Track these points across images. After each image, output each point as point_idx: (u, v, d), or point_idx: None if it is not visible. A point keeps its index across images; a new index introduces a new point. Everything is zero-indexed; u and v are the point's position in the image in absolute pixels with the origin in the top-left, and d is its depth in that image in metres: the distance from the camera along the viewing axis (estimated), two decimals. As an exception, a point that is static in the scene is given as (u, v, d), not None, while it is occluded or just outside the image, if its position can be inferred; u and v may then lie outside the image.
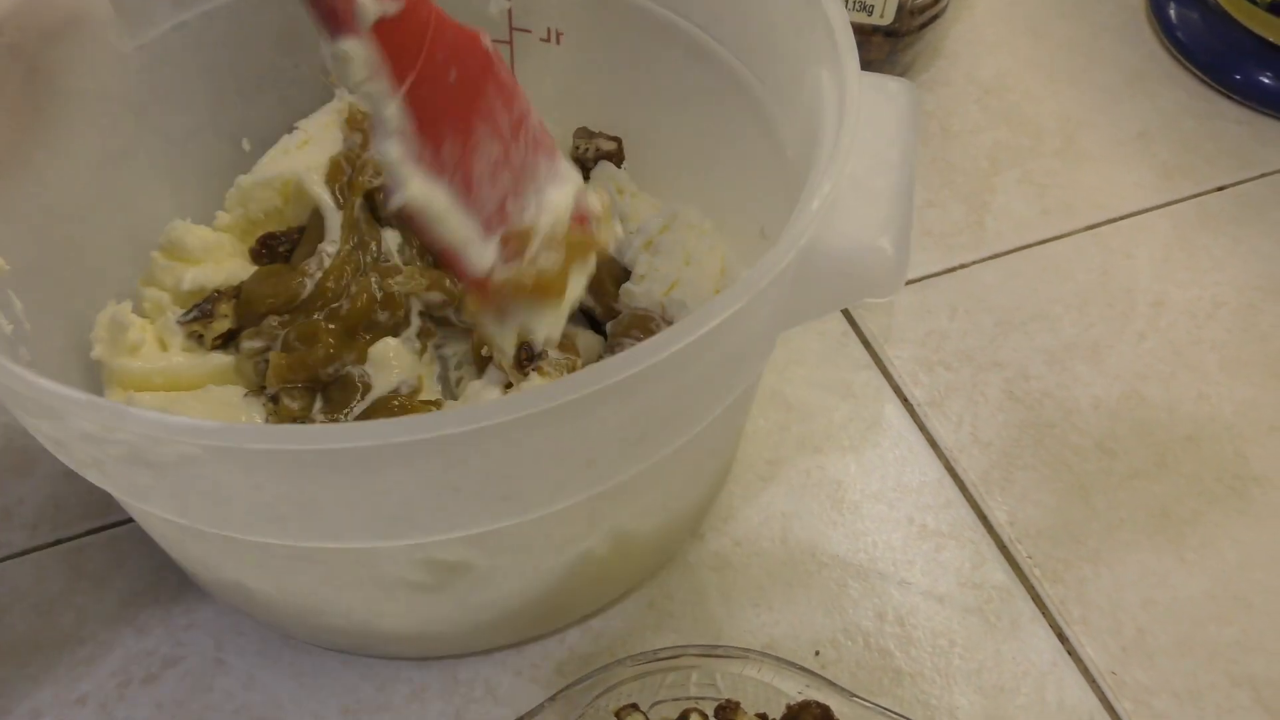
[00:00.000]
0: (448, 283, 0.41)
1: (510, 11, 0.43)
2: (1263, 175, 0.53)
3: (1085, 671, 0.37)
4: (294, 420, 0.37)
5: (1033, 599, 0.39)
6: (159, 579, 0.38)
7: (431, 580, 0.31)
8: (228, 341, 0.40)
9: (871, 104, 0.32)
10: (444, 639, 0.36)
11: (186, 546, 0.34)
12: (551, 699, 0.30)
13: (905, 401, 0.44)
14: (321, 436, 0.24)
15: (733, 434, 0.37)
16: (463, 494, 0.26)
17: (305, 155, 0.44)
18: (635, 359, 0.25)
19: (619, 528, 0.33)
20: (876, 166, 0.31)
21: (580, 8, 0.42)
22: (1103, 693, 0.37)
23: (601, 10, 0.42)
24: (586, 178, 0.44)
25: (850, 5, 0.51)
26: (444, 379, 0.39)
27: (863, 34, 0.52)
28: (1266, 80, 0.55)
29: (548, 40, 0.44)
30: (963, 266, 0.48)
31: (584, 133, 0.45)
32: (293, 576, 0.32)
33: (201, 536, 0.30)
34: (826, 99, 0.31)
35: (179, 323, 0.39)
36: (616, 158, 0.44)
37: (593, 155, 0.44)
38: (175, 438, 0.23)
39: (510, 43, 0.44)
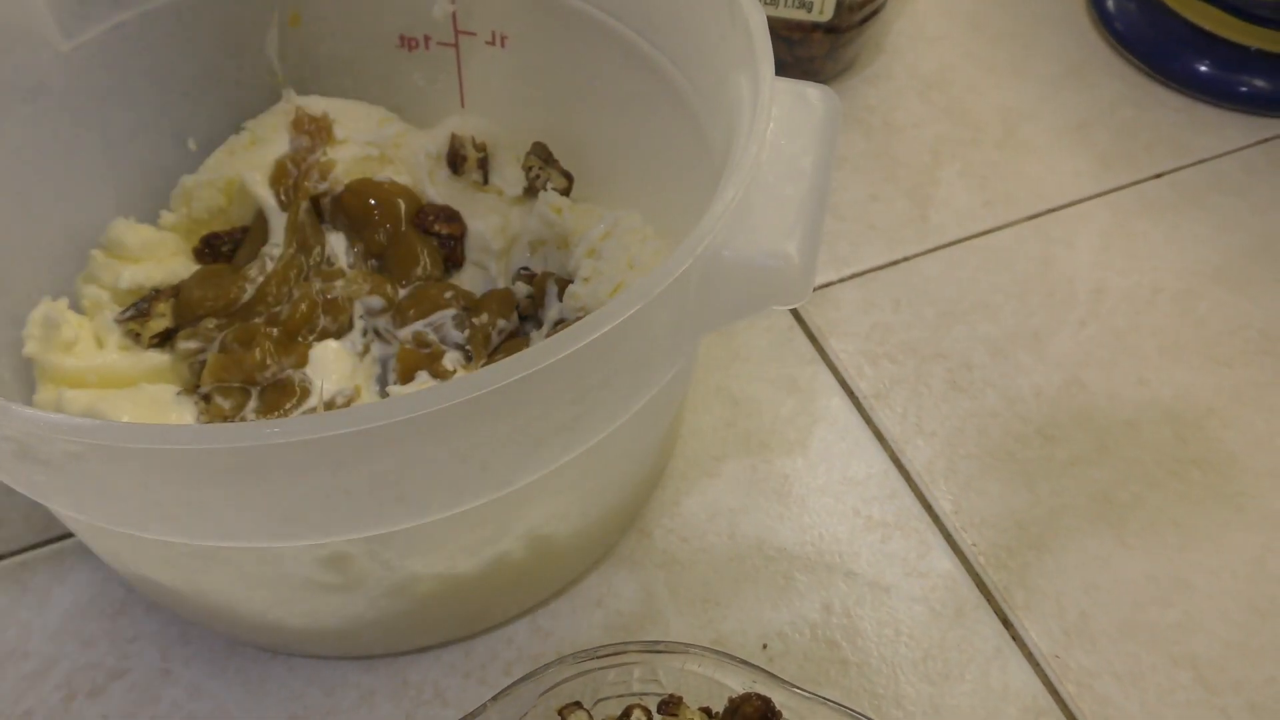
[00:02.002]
0: (389, 288, 0.41)
1: (455, 15, 0.43)
2: (1200, 162, 0.54)
3: (1029, 656, 0.38)
4: (224, 420, 0.37)
5: (977, 586, 0.39)
6: (103, 592, 0.38)
7: (339, 580, 0.31)
8: (165, 340, 0.40)
9: (788, 111, 0.32)
10: (366, 638, 0.35)
11: (102, 544, 0.33)
12: (494, 698, 0.30)
13: (850, 394, 0.44)
14: (199, 437, 0.24)
15: (655, 438, 0.37)
16: (354, 496, 0.26)
17: (251, 156, 0.44)
18: (518, 365, 0.25)
19: (534, 531, 0.33)
20: (789, 174, 0.31)
21: (524, 11, 0.42)
22: (1046, 676, 0.37)
23: (544, 14, 0.42)
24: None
25: (790, 2, 0.51)
26: (382, 381, 0.39)
27: (803, 30, 0.53)
28: (1204, 69, 0.56)
29: (492, 43, 0.44)
30: (906, 259, 0.49)
31: (541, 152, 0.44)
32: (203, 574, 0.32)
33: (110, 534, 0.30)
34: (744, 105, 0.31)
35: (115, 320, 0.39)
36: (565, 192, 0.44)
37: (542, 183, 0.43)
38: (54, 435, 0.24)
39: (456, 45, 0.44)
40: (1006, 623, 0.39)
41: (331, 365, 0.37)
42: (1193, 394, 0.45)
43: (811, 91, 0.33)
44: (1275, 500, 0.42)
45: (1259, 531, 0.41)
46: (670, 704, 0.31)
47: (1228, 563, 0.40)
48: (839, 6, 0.52)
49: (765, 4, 0.52)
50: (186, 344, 0.38)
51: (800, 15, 0.52)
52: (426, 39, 0.44)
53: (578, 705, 0.31)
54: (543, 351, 0.25)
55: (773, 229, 0.30)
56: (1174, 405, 0.44)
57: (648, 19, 0.39)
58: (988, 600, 0.39)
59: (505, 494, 0.29)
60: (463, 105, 0.45)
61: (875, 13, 0.54)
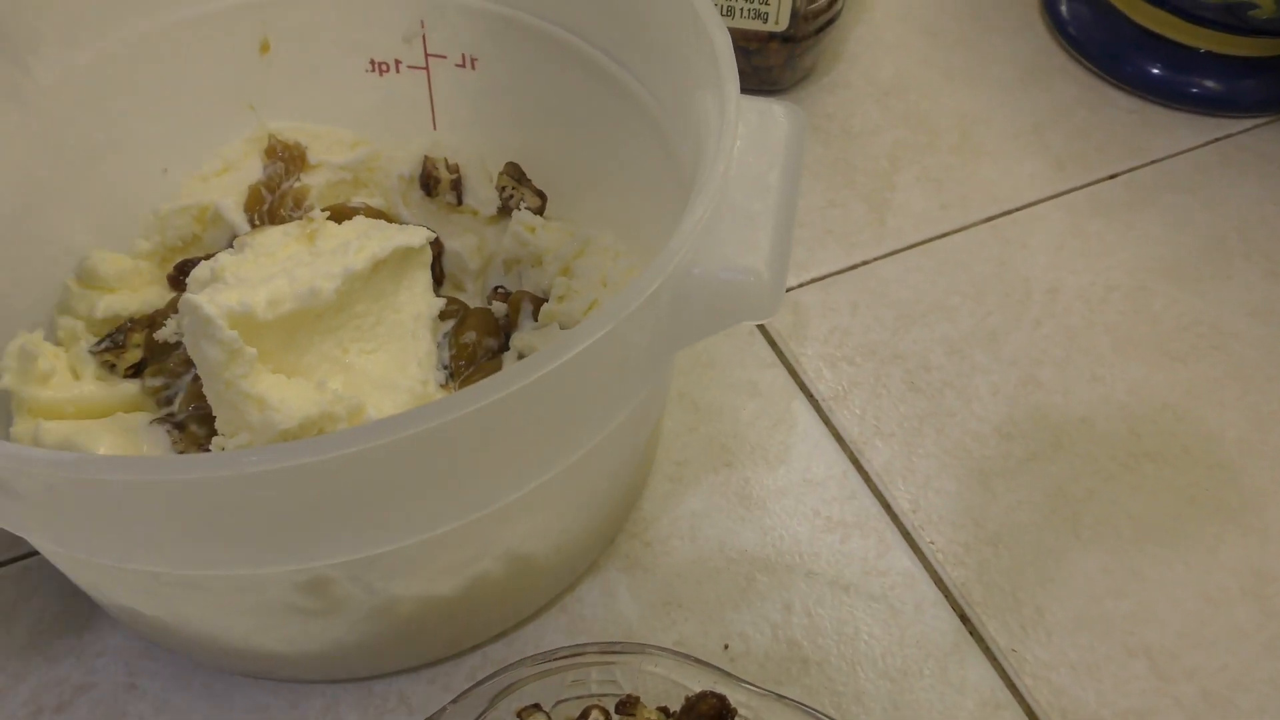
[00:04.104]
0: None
1: (424, 38, 0.44)
2: (1153, 162, 0.54)
3: (987, 650, 0.38)
4: (199, 447, 0.37)
5: (936, 583, 0.40)
6: (68, 608, 0.38)
7: (321, 605, 0.31)
8: (141, 369, 0.40)
9: (755, 128, 0.33)
10: (349, 661, 0.36)
11: (81, 575, 0.34)
12: (454, 701, 0.31)
13: (811, 397, 0.45)
14: (176, 468, 0.24)
15: (633, 453, 0.38)
16: (333, 521, 0.27)
17: (224, 183, 0.45)
18: (493, 387, 0.25)
19: (513, 550, 0.33)
20: (756, 190, 0.31)
21: (491, 34, 0.43)
22: (1004, 670, 0.38)
23: (513, 36, 0.42)
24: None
25: (746, 14, 0.52)
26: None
27: (760, 40, 0.53)
28: (1155, 71, 0.57)
29: (463, 65, 0.44)
30: (864, 263, 0.50)
31: (514, 171, 0.44)
32: (184, 603, 0.32)
33: (89, 565, 0.31)
34: (711, 123, 0.31)
35: (90, 352, 0.40)
36: (539, 211, 0.44)
37: (516, 203, 0.43)
38: (26, 470, 0.24)
39: (426, 69, 0.45)
40: (964, 618, 0.39)
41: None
42: (1146, 389, 0.46)
43: (777, 108, 0.34)
44: (1227, 492, 0.43)
45: (1211, 522, 0.42)
46: (627, 704, 0.32)
47: (1180, 553, 0.41)
48: (794, 16, 0.52)
49: (723, 15, 0.52)
50: (152, 381, 0.38)
51: (757, 26, 0.53)
52: (397, 63, 0.45)
53: (536, 707, 0.31)
54: (517, 373, 0.25)
55: (742, 245, 0.30)
56: (1128, 401, 0.45)
57: (615, 40, 0.39)
58: (945, 597, 0.40)
59: (485, 514, 0.29)
60: (435, 127, 0.46)
61: (831, 22, 0.55)
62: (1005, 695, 0.37)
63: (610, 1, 0.39)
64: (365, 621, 0.33)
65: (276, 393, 0.33)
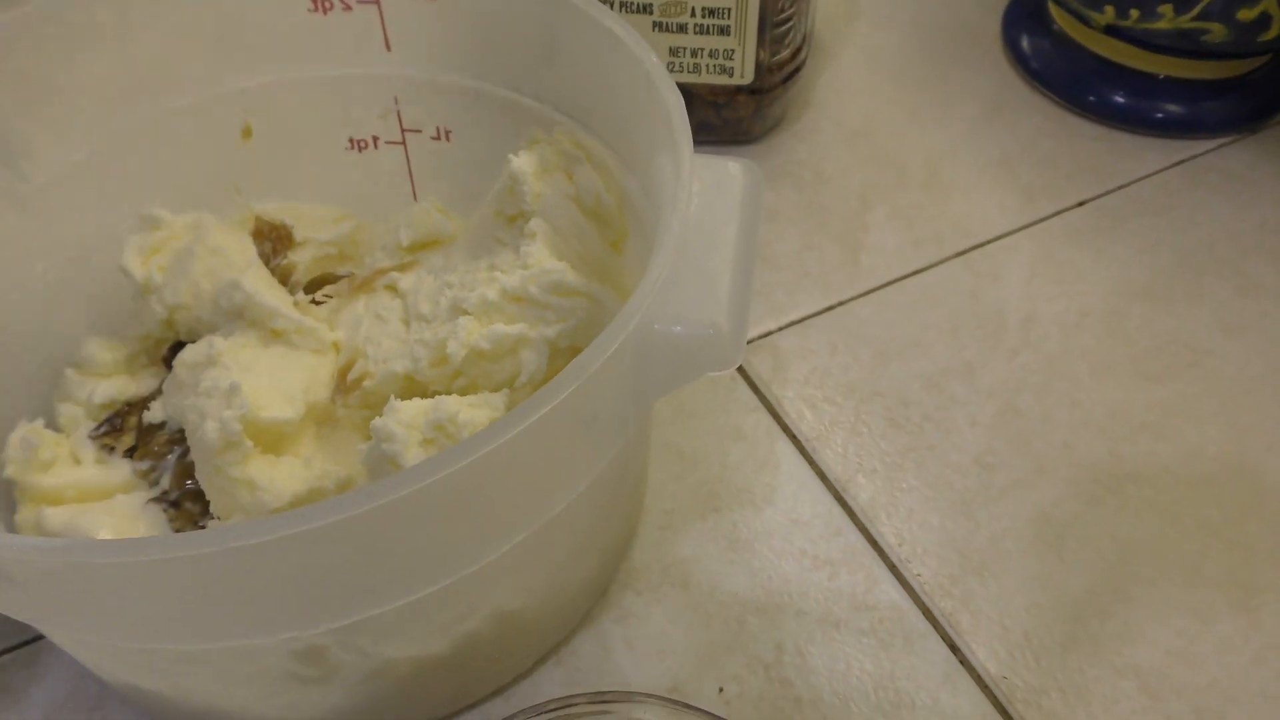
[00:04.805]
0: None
1: (399, 114, 0.45)
2: (1120, 187, 0.56)
3: (978, 679, 0.39)
4: (194, 523, 0.38)
5: (924, 615, 0.41)
6: (79, 688, 0.39)
7: (317, 672, 0.32)
8: (134, 452, 0.41)
9: (711, 185, 0.34)
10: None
11: (84, 655, 0.35)
12: (449, 761, 0.32)
13: (794, 439, 0.46)
14: (162, 547, 0.25)
15: (615, 507, 0.38)
16: (319, 589, 0.28)
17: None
18: (462, 452, 0.26)
19: (501, 607, 0.34)
20: (714, 245, 0.33)
21: (463, 107, 0.44)
22: (995, 697, 0.39)
23: (483, 107, 0.44)
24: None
25: (711, 69, 0.54)
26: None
27: (727, 94, 0.55)
28: (1119, 99, 0.58)
29: (438, 138, 0.46)
30: (841, 304, 0.51)
31: None
32: (184, 676, 0.33)
33: (90, 645, 0.32)
34: (669, 185, 0.32)
35: (89, 437, 0.41)
36: None
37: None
38: (22, 558, 0.25)
39: (404, 143, 0.46)
40: (954, 648, 0.40)
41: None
42: (1125, 411, 0.46)
43: (732, 165, 0.35)
44: (1209, 508, 0.43)
45: (1194, 540, 0.42)
46: (619, 752, 0.32)
47: (1164, 571, 0.41)
48: (759, 69, 0.54)
49: (689, 71, 0.54)
50: (139, 464, 0.39)
51: (723, 80, 0.54)
52: (375, 139, 0.47)
53: (530, 760, 0.32)
54: (486, 436, 0.26)
55: (701, 301, 0.31)
56: (1107, 423, 0.46)
57: (581, 107, 0.41)
58: (935, 627, 0.40)
59: (468, 574, 0.30)
60: (415, 198, 0.48)
61: (796, 71, 0.56)
62: (998, 722, 0.38)
63: (572, 71, 0.40)
64: (362, 685, 0.34)
65: (265, 474, 0.34)
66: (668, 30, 0.53)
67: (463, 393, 0.36)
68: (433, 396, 0.35)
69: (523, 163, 0.39)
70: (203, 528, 0.38)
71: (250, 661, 0.31)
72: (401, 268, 0.43)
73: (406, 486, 0.26)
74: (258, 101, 0.45)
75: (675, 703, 0.33)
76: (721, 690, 0.39)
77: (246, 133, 0.46)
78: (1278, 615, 0.40)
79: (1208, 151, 0.57)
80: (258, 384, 0.37)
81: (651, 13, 0.52)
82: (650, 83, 0.35)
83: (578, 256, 0.38)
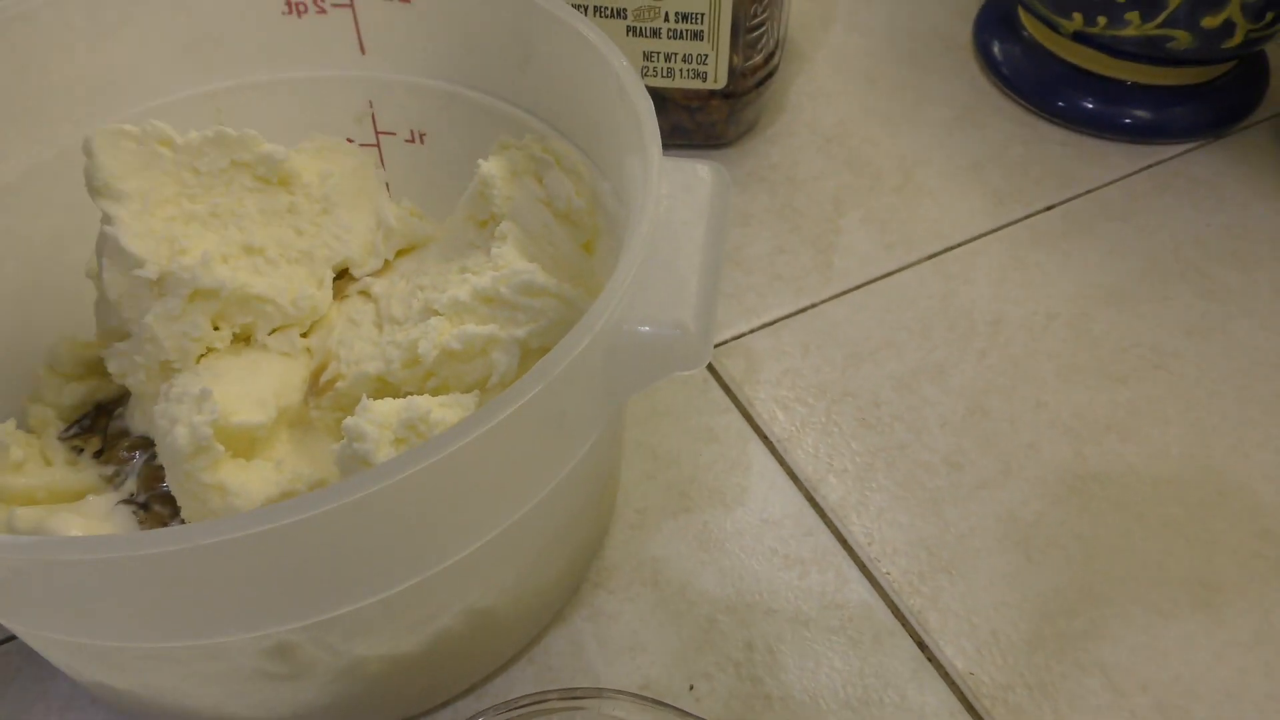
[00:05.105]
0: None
1: (374, 117, 0.46)
2: (1088, 192, 0.56)
3: (945, 675, 0.40)
4: (164, 525, 0.38)
5: (893, 613, 0.41)
6: (48, 690, 0.39)
7: (288, 669, 0.32)
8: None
9: (680, 188, 0.34)
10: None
11: (55, 655, 0.35)
12: (420, 758, 0.32)
13: (765, 439, 0.46)
14: (132, 544, 0.25)
15: (586, 504, 0.39)
16: (289, 586, 0.28)
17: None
18: (428, 451, 0.26)
19: (472, 605, 0.34)
20: (681, 247, 0.33)
21: (437, 110, 0.45)
22: (962, 694, 0.39)
23: (457, 110, 0.44)
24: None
25: (685, 74, 0.54)
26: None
27: (701, 98, 0.55)
28: (1088, 104, 0.59)
29: (412, 140, 0.46)
30: (813, 306, 0.51)
31: None
32: (154, 675, 0.33)
33: (60, 644, 0.32)
34: (638, 187, 0.33)
35: (59, 439, 0.41)
36: None
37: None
38: None
39: (378, 145, 0.46)
40: (922, 645, 0.40)
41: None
42: (1090, 412, 0.47)
43: (701, 168, 0.35)
44: (1173, 507, 0.44)
45: (1159, 538, 0.43)
46: (590, 748, 0.33)
47: (1130, 570, 0.42)
48: (733, 73, 0.54)
49: (663, 76, 0.54)
50: (103, 469, 0.39)
51: (697, 85, 0.55)
52: (349, 142, 0.47)
53: (500, 757, 0.32)
54: (454, 434, 0.26)
55: (668, 302, 0.32)
56: (1073, 424, 0.47)
57: (554, 111, 0.41)
58: (903, 625, 0.41)
59: (437, 571, 0.31)
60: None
61: (770, 76, 0.57)
62: (965, 718, 0.38)
63: (546, 75, 0.41)
64: (334, 683, 0.34)
65: (236, 478, 0.34)
66: (642, 35, 0.53)
67: (435, 393, 0.37)
68: (405, 397, 0.35)
69: (492, 167, 0.39)
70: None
71: (220, 659, 0.31)
72: (375, 272, 0.43)
73: (375, 483, 0.26)
74: (231, 103, 0.45)
75: (646, 699, 0.33)
76: (692, 688, 0.39)
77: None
78: (1240, 612, 0.41)
79: (1174, 157, 0.58)
80: (229, 389, 0.37)
81: (626, 18, 0.52)
82: (621, 87, 0.35)
83: (549, 258, 0.38)
